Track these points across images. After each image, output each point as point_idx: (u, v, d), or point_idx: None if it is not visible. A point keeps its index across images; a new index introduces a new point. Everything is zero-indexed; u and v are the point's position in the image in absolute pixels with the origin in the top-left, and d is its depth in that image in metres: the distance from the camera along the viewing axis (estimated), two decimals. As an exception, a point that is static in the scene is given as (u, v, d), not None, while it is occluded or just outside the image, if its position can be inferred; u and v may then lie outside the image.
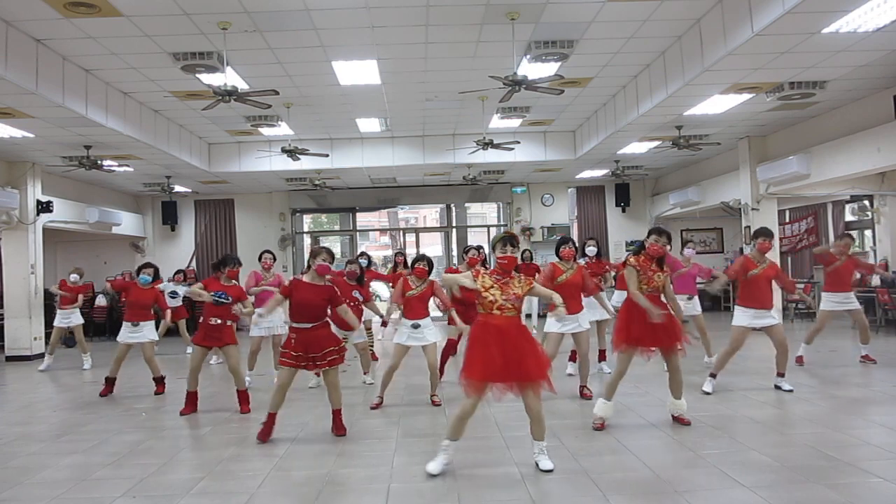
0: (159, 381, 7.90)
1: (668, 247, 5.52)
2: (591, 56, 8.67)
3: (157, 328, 8.41)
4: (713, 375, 6.87)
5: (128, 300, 7.92)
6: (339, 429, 5.67)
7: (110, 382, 7.91)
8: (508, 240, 4.55)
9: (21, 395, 8.49)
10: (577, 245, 6.78)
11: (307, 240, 18.13)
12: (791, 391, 6.68)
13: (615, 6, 7.12)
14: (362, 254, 10.31)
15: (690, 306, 8.29)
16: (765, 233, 6.80)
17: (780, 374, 6.84)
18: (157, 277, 8.11)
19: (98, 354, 11.17)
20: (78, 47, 7.72)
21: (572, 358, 8.03)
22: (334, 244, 20.86)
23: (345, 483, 4.48)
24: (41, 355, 11.75)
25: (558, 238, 7.08)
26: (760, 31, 6.64)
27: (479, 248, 8.39)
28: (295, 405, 6.91)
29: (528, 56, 8.24)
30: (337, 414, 5.72)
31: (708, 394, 6.69)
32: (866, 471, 4.27)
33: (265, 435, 5.52)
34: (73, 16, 6.82)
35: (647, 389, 7.09)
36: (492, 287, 4.46)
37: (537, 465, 4.55)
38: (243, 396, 6.77)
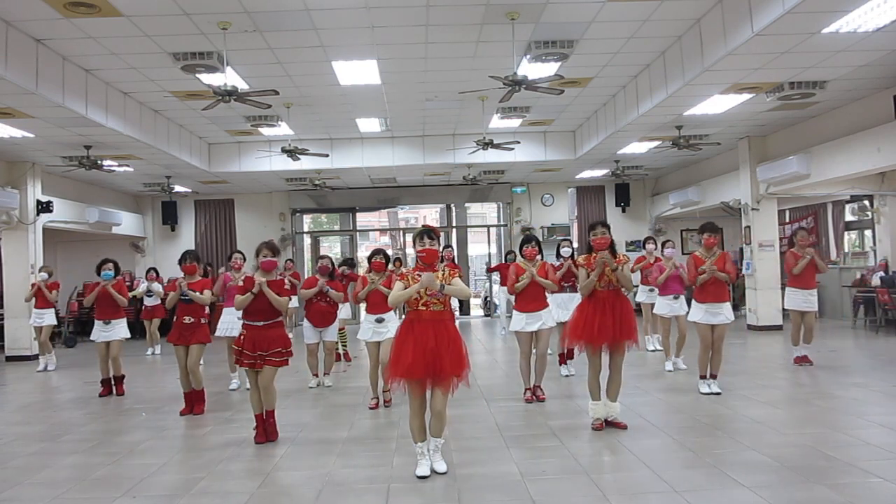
0: (119, 380, 7.91)
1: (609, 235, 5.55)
2: (591, 56, 8.67)
3: (129, 327, 8.44)
4: (703, 377, 6.81)
5: (98, 298, 7.89)
6: (269, 434, 5.49)
7: (106, 383, 7.91)
8: (426, 232, 4.53)
9: (21, 395, 8.49)
10: (541, 245, 6.78)
11: (307, 240, 18.14)
12: (719, 394, 6.60)
13: (615, 6, 7.11)
14: (349, 259, 10.34)
15: (677, 305, 8.24)
16: (710, 228, 6.82)
17: (713, 376, 6.77)
18: (118, 272, 8.06)
19: (92, 353, 11.13)
20: (78, 47, 7.72)
21: (563, 360, 8.05)
22: (334, 244, 20.87)
23: (345, 483, 4.48)
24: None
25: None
26: (760, 31, 6.64)
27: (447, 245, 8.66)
28: (294, 405, 6.92)
29: (528, 56, 8.24)
30: (269, 415, 5.52)
31: (718, 394, 6.61)
32: (866, 471, 4.27)
33: (261, 436, 5.50)
34: (73, 16, 6.82)
35: (647, 389, 7.09)
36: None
37: (431, 464, 4.51)
38: (198, 396, 6.73)
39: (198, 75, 8.44)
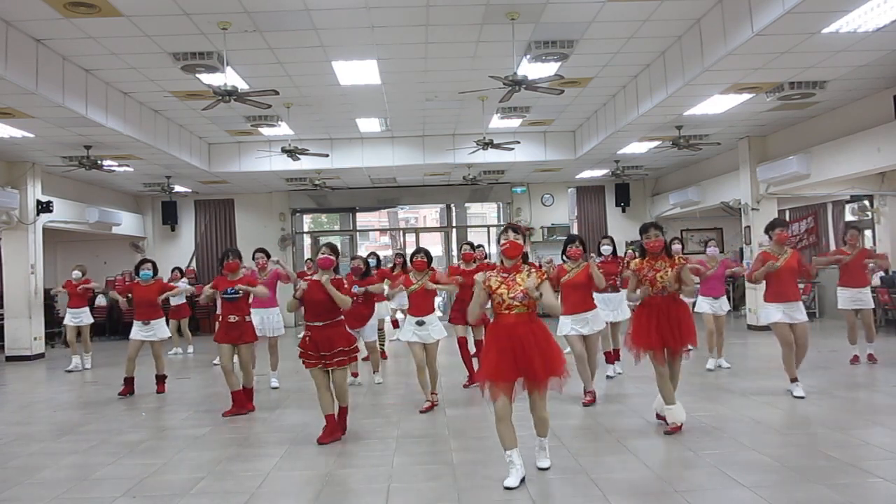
0: (161, 380, 7.90)
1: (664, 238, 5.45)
2: (591, 56, 8.67)
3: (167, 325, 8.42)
4: (794, 380, 6.49)
5: (134, 300, 7.92)
6: (336, 431, 5.57)
7: (129, 382, 7.85)
8: (510, 226, 4.51)
9: (21, 395, 8.49)
10: (585, 244, 6.62)
11: (307, 240, 18.13)
12: (802, 398, 6.38)
13: (615, 6, 7.11)
14: (372, 254, 10.30)
15: (718, 305, 8.18)
16: (781, 223, 6.64)
17: (794, 380, 6.50)
18: (156, 272, 8.10)
19: (99, 354, 11.17)
20: (78, 47, 7.72)
21: (609, 359, 7.94)
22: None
23: (345, 483, 4.49)
24: (41, 355, 11.79)
25: (565, 237, 6.99)
26: (760, 31, 6.64)
27: (473, 244, 8.48)
28: (294, 405, 6.92)
29: (528, 56, 8.24)
30: (342, 412, 5.63)
31: (801, 398, 6.37)
32: (866, 471, 4.27)
33: (326, 437, 5.42)
34: (73, 16, 6.82)
35: (648, 390, 7.07)
36: (499, 287, 4.35)
37: (536, 462, 4.50)
38: (249, 394, 6.75)
39: (198, 75, 8.44)
